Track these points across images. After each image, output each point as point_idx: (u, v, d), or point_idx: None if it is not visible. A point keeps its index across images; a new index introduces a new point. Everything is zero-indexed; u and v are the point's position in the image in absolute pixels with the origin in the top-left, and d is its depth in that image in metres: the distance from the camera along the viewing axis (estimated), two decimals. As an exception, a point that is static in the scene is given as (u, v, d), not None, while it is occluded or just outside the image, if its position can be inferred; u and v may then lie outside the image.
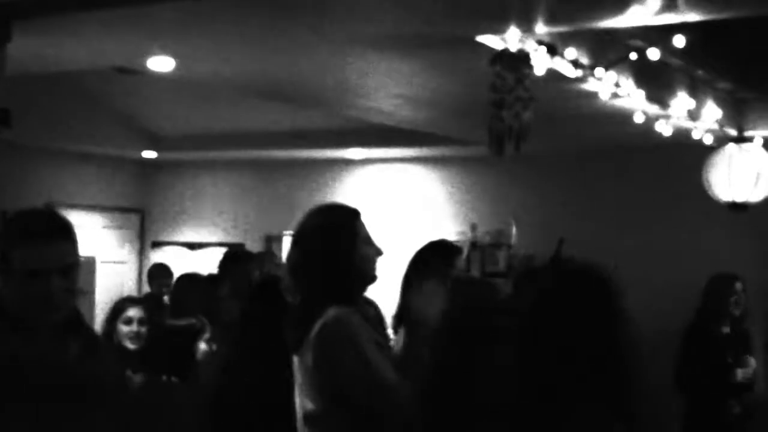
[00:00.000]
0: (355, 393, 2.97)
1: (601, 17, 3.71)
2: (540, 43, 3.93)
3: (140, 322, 4.90)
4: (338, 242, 3.15)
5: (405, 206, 8.85)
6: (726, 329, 6.39)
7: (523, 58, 3.77)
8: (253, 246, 8.77)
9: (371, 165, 9.19)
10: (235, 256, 6.11)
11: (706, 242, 7.26)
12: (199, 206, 10.28)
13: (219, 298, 5.51)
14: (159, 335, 5.41)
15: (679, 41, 3.94)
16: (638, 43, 4.32)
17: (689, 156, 6.42)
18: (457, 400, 2.63)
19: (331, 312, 2.99)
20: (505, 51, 3.79)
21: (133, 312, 4.91)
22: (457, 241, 7.49)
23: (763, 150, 6.20)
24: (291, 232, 3.34)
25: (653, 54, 4.09)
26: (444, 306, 3.26)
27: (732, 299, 6.38)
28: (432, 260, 4.05)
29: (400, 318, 3.92)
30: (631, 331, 2.43)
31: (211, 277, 6.31)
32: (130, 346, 4.83)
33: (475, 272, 6.96)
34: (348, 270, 3.13)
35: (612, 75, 4.64)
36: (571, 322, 2.31)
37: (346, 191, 9.07)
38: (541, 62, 4.04)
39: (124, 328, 4.85)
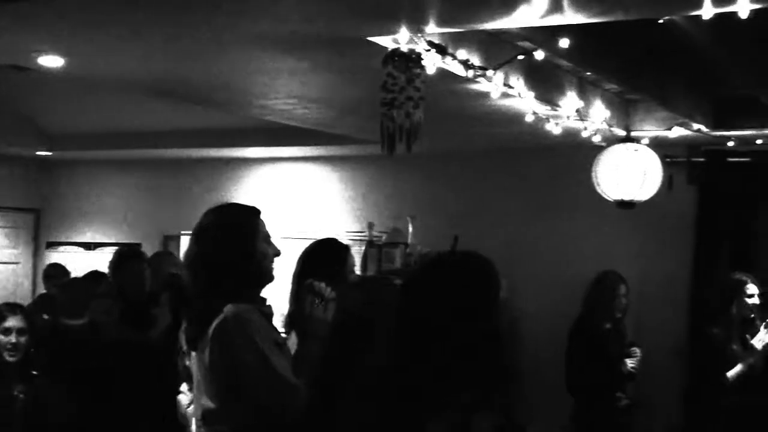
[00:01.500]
0: (253, 391, 2.97)
1: (490, 18, 3.78)
2: (430, 43, 3.98)
3: (19, 332, 4.70)
4: (237, 240, 3.16)
5: (302, 205, 8.87)
6: (608, 325, 6.56)
7: (414, 58, 3.82)
8: (151, 246, 8.69)
9: (269, 164, 9.18)
10: (125, 255, 6.05)
11: (595, 239, 7.45)
12: (96, 206, 10.14)
13: (97, 297, 5.47)
14: (52, 334, 5.34)
15: (564, 43, 4.04)
16: (528, 44, 4.41)
17: (578, 155, 6.58)
18: (338, 389, 2.68)
19: (230, 309, 2.99)
20: (397, 51, 3.84)
21: (11, 322, 4.71)
22: (355, 240, 7.58)
23: (649, 149, 6.37)
24: (189, 231, 3.33)
25: (540, 55, 4.19)
26: (337, 304, 3.30)
27: (616, 296, 6.56)
28: (321, 260, 4.08)
29: (292, 318, 3.93)
30: (507, 323, 2.50)
31: (94, 275, 6.25)
32: (8, 358, 4.66)
33: (372, 271, 7.00)
34: (247, 268, 3.15)
35: (502, 76, 4.72)
36: (447, 310, 2.36)
37: (244, 190, 9.05)
38: (431, 62, 4.10)
39: (2, 339, 4.67)
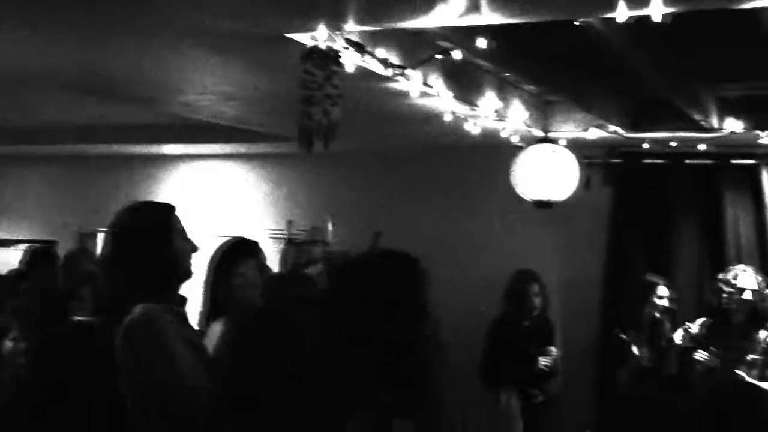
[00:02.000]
0: (158, 394, 2.93)
1: (409, 17, 3.78)
2: (349, 41, 3.97)
3: None
4: (152, 238, 3.13)
5: (221, 203, 8.79)
6: (527, 322, 6.65)
7: (332, 55, 3.80)
8: (67, 243, 8.54)
9: (188, 161, 9.09)
10: (39, 253, 5.96)
11: (514, 239, 7.52)
12: (11, 202, 9.93)
13: (22, 295, 5.38)
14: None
15: (483, 43, 4.06)
16: (447, 44, 4.42)
17: (497, 155, 6.62)
18: (247, 397, 2.65)
19: (139, 309, 2.95)
20: (315, 48, 3.82)
21: None
22: (275, 238, 7.55)
23: (567, 150, 6.44)
24: (105, 229, 3.29)
25: (458, 55, 4.20)
26: (251, 301, 3.27)
27: (532, 293, 6.65)
28: (233, 257, 4.06)
29: (208, 315, 3.90)
30: (432, 322, 2.49)
31: (18, 273, 6.13)
32: None
33: (289, 268, 6.99)
34: (162, 265, 3.11)
35: (421, 75, 4.74)
36: (369, 308, 2.35)
37: (163, 187, 8.94)
38: (350, 60, 4.09)
39: None
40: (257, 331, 3.09)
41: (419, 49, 4.52)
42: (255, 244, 4.23)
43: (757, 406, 2.90)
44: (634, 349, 6.32)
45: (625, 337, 6.33)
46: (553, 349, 6.63)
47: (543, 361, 6.55)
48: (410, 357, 2.39)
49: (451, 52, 4.20)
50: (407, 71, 4.57)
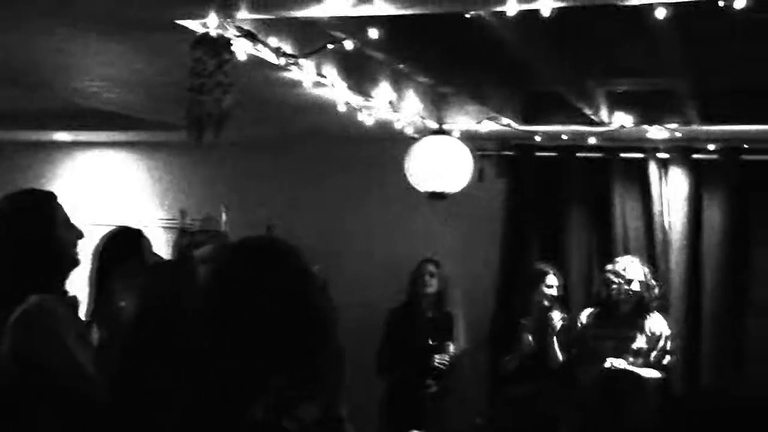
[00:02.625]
0: (55, 383, 2.87)
1: (301, 6, 3.76)
2: (240, 29, 3.93)
3: None
4: (34, 226, 3.07)
5: (111, 191, 8.63)
6: (429, 313, 6.69)
7: (223, 43, 3.75)
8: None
9: (77, 149, 8.89)
10: None
11: (409, 230, 7.55)
12: None
13: None
14: None
15: (375, 33, 4.05)
16: (340, 34, 4.41)
17: (392, 146, 6.64)
18: (141, 386, 2.60)
19: (34, 299, 2.89)
20: (206, 36, 3.77)
21: None
22: (167, 227, 7.44)
23: (461, 142, 6.49)
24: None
25: (350, 45, 4.19)
26: (137, 292, 3.22)
27: (431, 283, 6.69)
28: (118, 249, 3.99)
29: (94, 309, 3.84)
30: (323, 312, 2.47)
31: None
32: None
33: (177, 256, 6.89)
34: (45, 255, 3.06)
35: (315, 64, 4.71)
36: (254, 301, 2.32)
37: (51, 176, 8.73)
38: (242, 49, 4.05)
39: None
40: (145, 320, 3.03)
41: (312, 39, 4.50)
42: (138, 233, 4.16)
43: (639, 395, 2.97)
44: (526, 337, 6.43)
45: (525, 323, 6.44)
46: (451, 346, 6.68)
47: (439, 360, 6.59)
48: (305, 341, 2.37)
49: (344, 43, 4.18)
50: (300, 61, 4.54)
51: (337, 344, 2.71)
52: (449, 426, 6.54)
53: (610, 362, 6.04)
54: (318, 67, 4.79)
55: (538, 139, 6.89)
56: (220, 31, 3.78)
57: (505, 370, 6.47)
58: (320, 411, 2.41)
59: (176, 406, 2.45)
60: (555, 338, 6.41)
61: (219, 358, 2.29)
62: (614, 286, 6.29)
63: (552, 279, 6.52)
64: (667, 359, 6.29)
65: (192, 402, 2.33)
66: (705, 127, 6.48)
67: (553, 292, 6.52)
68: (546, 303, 6.50)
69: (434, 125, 6.49)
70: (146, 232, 4.21)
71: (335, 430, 2.69)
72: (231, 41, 3.83)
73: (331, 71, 4.91)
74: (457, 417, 6.84)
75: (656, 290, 6.35)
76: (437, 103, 6.48)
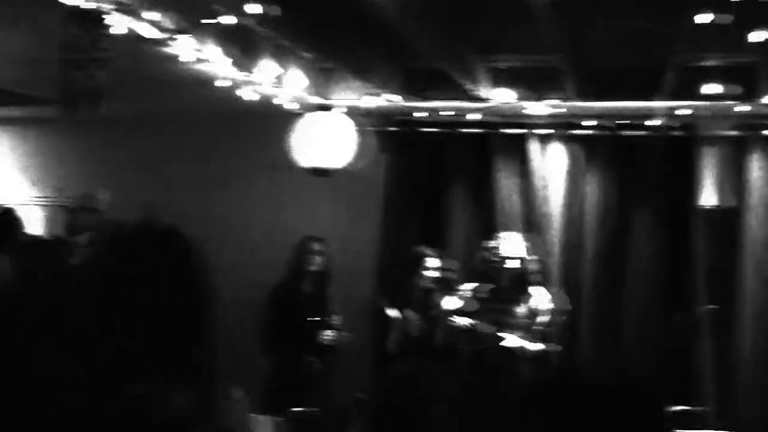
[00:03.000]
0: None
1: (180, -20, 3.68)
2: (117, 3, 3.82)
3: None
4: None
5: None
6: (310, 289, 6.66)
7: (97, 17, 3.64)
8: None
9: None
10: None
11: (293, 206, 7.50)
12: None
13: None
14: None
15: (255, 8, 3.99)
16: (220, 8, 4.33)
17: (276, 122, 6.56)
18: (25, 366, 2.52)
19: None
20: (80, 9, 3.65)
21: None
22: (44, 205, 7.24)
23: (344, 118, 6.47)
24: None
25: (230, 20, 4.12)
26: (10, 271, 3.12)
27: (313, 260, 6.66)
28: None
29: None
30: (202, 293, 2.42)
31: None
32: None
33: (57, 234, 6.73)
34: None
35: (195, 39, 4.62)
36: (131, 283, 2.27)
37: None
38: (120, 23, 3.94)
39: None
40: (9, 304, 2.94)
41: (193, 13, 4.41)
42: (8, 211, 4.03)
43: (513, 368, 3.01)
44: (393, 314, 6.43)
45: (383, 304, 6.46)
46: (336, 319, 6.68)
47: (327, 335, 6.59)
48: (183, 323, 2.32)
49: (223, 17, 4.10)
50: (180, 35, 4.44)
51: (214, 324, 2.65)
52: (332, 403, 6.54)
53: (487, 336, 6.11)
54: (199, 41, 4.70)
55: (421, 114, 6.91)
56: (93, 5, 3.67)
57: (386, 349, 6.47)
58: (198, 395, 2.37)
59: (56, 387, 2.38)
60: (438, 319, 6.45)
61: (99, 339, 2.23)
62: (494, 260, 6.35)
63: (433, 261, 6.54)
64: (548, 332, 6.40)
65: (73, 383, 2.27)
66: (584, 104, 6.60)
67: (434, 274, 6.55)
68: (427, 285, 6.54)
69: (318, 101, 6.44)
70: (18, 210, 4.08)
71: (213, 414, 2.65)
72: (105, 15, 3.72)
73: (211, 46, 4.82)
74: (340, 394, 6.84)
75: (536, 265, 6.43)
76: (321, 78, 6.44)
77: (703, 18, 4.02)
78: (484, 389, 3.00)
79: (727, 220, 6.95)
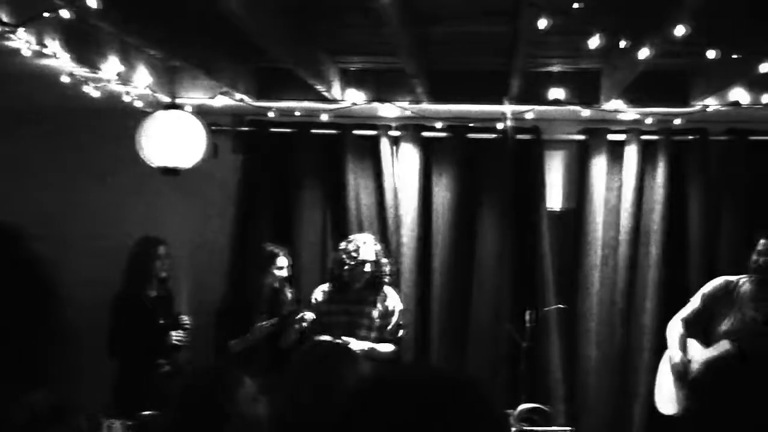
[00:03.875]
0: None
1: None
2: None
3: None
4: None
5: None
6: (153, 292, 6.56)
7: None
8: None
9: None
10: None
11: (142, 206, 7.35)
12: None
13: None
14: None
15: (93, 3, 3.89)
16: (59, 2, 4.21)
17: (122, 120, 6.41)
18: None
19: None
20: None
21: None
22: None
23: (194, 117, 6.38)
24: None
25: (67, 14, 4.00)
26: None
27: (157, 262, 6.56)
28: None
29: None
30: (47, 297, 2.36)
31: None
32: None
33: None
34: None
35: (35, 33, 4.49)
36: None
37: None
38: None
39: None
40: None
41: (32, 7, 4.28)
42: None
43: (349, 368, 3.02)
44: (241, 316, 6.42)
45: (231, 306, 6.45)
46: (187, 319, 6.60)
47: (176, 336, 6.50)
48: (30, 325, 2.26)
49: (62, 11, 3.99)
50: (19, 29, 4.31)
51: (64, 327, 2.59)
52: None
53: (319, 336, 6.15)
54: (39, 36, 4.56)
55: (272, 115, 6.89)
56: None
57: (233, 352, 6.41)
58: (49, 398, 2.31)
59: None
60: (288, 318, 6.43)
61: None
62: (347, 263, 6.37)
63: (282, 260, 6.53)
64: (400, 333, 6.47)
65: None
66: (433, 106, 6.70)
67: (284, 273, 6.54)
68: (276, 285, 6.52)
69: (166, 99, 6.34)
70: None
71: (64, 417, 2.59)
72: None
73: (53, 41, 4.70)
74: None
75: (388, 267, 6.48)
76: (169, 76, 6.35)
77: (544, 23, 4.12)
78: (316, 388, 3.00)
79: (571, 221, 7.16)
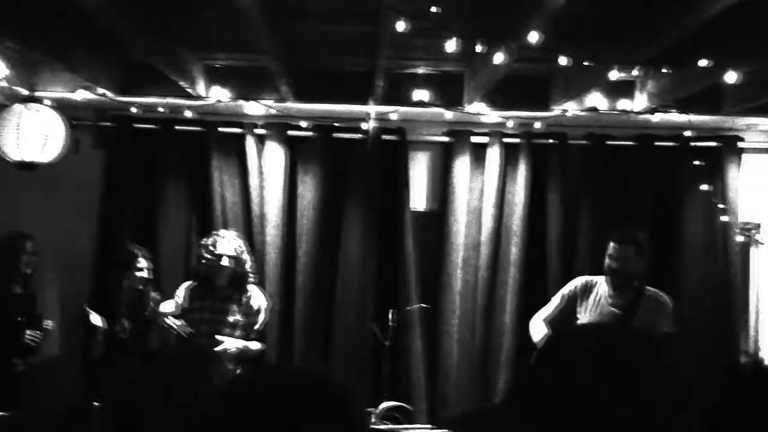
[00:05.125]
0: None
1: None
2: None
3: None
4: None
5: None
6: (18, 289, 6.40)
7: None
8: None
9: None
10: None
11: (1, 201, 7.13)
12: None
13: None
14: None
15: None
16: None
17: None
18: None
19: None
20: None
21: None
22: None
23: (53, 111, 6.25)
24: None
25: None
26: None
27: (24, 257, 6.40)
28: None
29: None
30: None
31: None
32: None
33: None
34: None
35: None
36: None
37: None
38: None
39: None
40: None
41: None
42: None
43: (209, 367, 3.01)
44: (96, 321, 6.30)
45: (87, 310, 6.33)
46: (50, 323, 6.46)
47: (30, 335, 6.34)
48: None
49: None
50: None
51: None
52: (43, 405, 6.32)
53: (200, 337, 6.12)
54: None
55: (135, 110, 6.77)
56: None
57: (91, 356, 6.30)
58: None
59: None
60: (151, 322, 6.36)
61: None
62: (207, 260, 6.32)
63: (143, 261, 6.44)
64: (263, 331, 6.45)
65: None
66: (298, 105, 6.70)
67: (144, 274, 6.45)
68: (141, 287, 6.43)
69: (24, 92, 6.19)
70: None
71: None
72: None
73: None
74: (55, 396, 6.61)
75: (249, 264, 6.45)
76: (28, 69, 6.20)
77: (403, 26, 4.18)
78: (174, 388, 2.97)
79: (434, 222, 7.26)
